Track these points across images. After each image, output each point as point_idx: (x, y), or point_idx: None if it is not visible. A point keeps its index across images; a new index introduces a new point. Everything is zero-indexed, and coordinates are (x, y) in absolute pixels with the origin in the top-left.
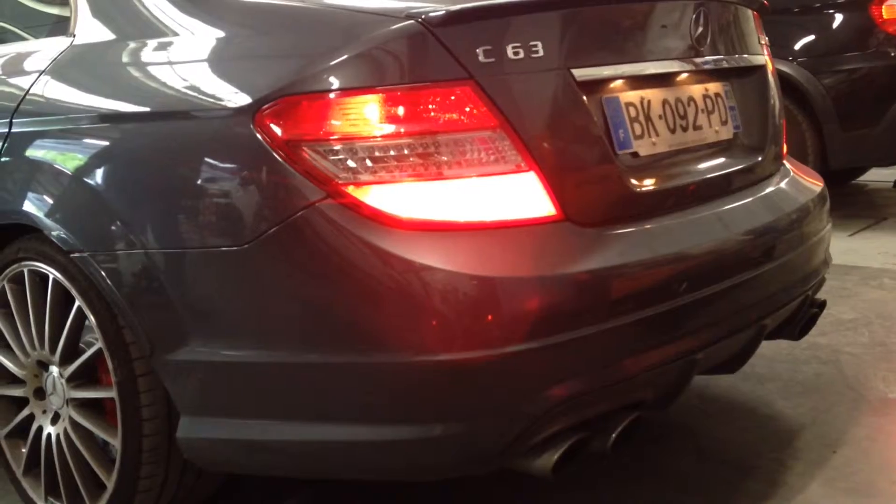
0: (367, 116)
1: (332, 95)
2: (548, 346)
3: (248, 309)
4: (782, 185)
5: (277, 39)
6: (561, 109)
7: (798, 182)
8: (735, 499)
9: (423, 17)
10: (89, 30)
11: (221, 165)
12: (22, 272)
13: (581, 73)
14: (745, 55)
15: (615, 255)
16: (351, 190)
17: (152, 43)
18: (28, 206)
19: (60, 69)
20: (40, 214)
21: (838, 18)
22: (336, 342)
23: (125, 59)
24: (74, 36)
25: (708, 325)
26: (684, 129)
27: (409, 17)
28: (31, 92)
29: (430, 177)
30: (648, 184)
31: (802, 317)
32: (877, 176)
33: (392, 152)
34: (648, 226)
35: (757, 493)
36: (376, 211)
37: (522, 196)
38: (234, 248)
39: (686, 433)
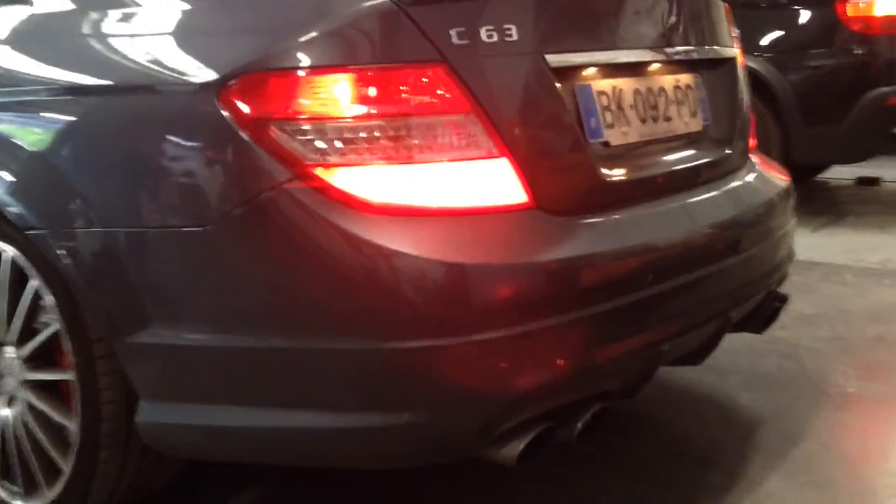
0: (336, 96)
1: (300, 73)
2: (516, 335)
3: (211, 292)
4: (749, 178)
5: (245, 12)
6: (534, 95)
7: (765, 176)
8: (700, 492)
9: None
10: None
11: (185, 143)
12: None
13: (555, 59)
14: (716, 47)
15: (585, 245)
16: (319, 172)
17: (115, 14)
18: None
19: (17, 39)
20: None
21: (804, 15)
22: (302, 327)
23: (86, 29)
24: (32, 4)
25: (674, 317)
26: (655, 120)
27: None
28: None
29: (401, 160)
30: (619, 173)
31: (766, 310)
32: (838, 173)
33: (362, 134)
34: (617, 216)
35: (720, 486)
36: (345, 194)
37: (494, 182)
38: (197, 228)
39: (651, 424)
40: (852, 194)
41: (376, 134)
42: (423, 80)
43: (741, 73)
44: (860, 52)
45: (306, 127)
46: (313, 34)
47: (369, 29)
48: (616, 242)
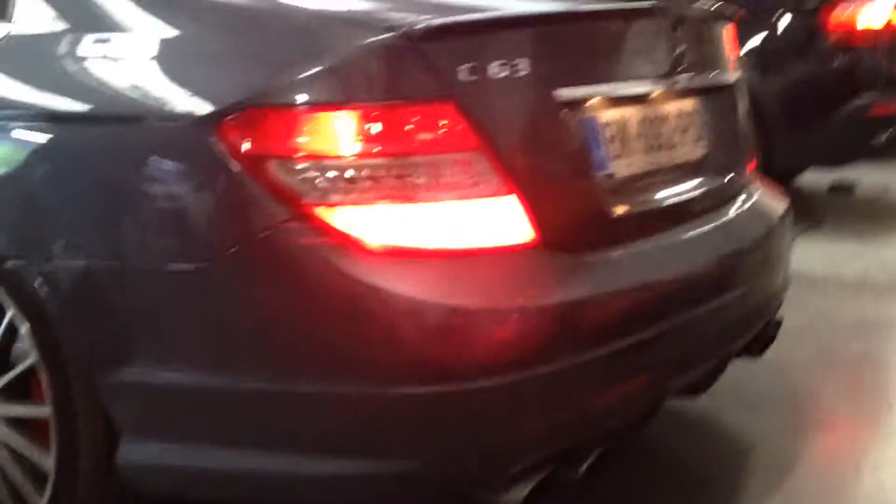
0: (338, 134)
1: (301, 109)
2: (521, 380)
3: (201, 331)
4: (751, 204)
5: (244, 42)
6: (542, 130)
7: (766, 201)
8: None
9: (403, 30)
10: (31, 16)
11: (176, 177)
12: None
13: (563, 93)
14: (720, 72)
15: (592, 285)
16: (318, 211)
17: (103, 37)
18: None
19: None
20: None
21: (787, 23)
22: (295, 371)
23: (75, 52)
24: (13, 22)
25: (682, 352)
26: (658, 149)
27: (388, 29)
28: None
29: (404, 200)
30: (623, 206)
31: (765, 336)
32: (809, 180)
33: (364, 173)
34: (623, 251)
35: None
36: (345, 235)
37: (501, 221)
38: (189, 266)
39: (642, 448)
40: (825, 202)
41: (379, 173)
42: (430, 117)
43: (743, 96)
44: (843, 60)
45: (306, 165)
46: (316, 69)
47: (375, 65)
48: (623, 281)
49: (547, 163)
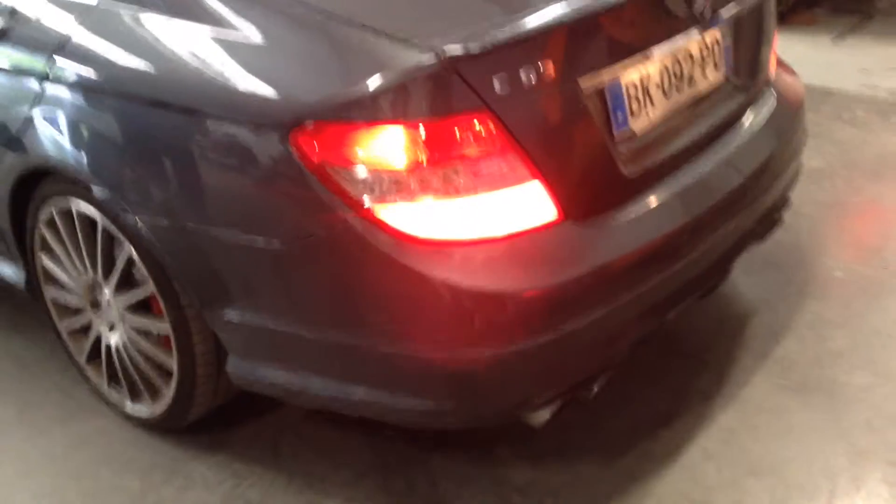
0: (390, 146)
1: (359, 124)
2: (544, 345)
3: (284, 292)
4: (768, 111)
5: (313, 55)
6: (566, 119)
7: (783, 96)
8: (689, 395)
9: (443, 52)
10: None
11: (264, 172)
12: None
13: (587, 81)
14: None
15: (613, 246)
16: (375, 210)
17: (202, 28)
18: (83, 166)
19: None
20: (91, 174)
21: None
22: (357, 329)
23: (174, 38)
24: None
25: (698, 275)
26: (679, 90)
27: (431, 49)
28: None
29: (446, 198)
30: (643, 160)
31: (773, 223)
32: None
33: (413, 178)
34: (644, 202)
35: (708, 390)
36: (396, 230)
37: (528, 206)
38: (276, 243)
39: None
40: None
41: (426, 177)
42: (469, 127)
43: (770, 6)
44: None
45: (363, 173)
46: (371, 90)
47: (419, 85)
48: (643, 235)
49: (570, 145)
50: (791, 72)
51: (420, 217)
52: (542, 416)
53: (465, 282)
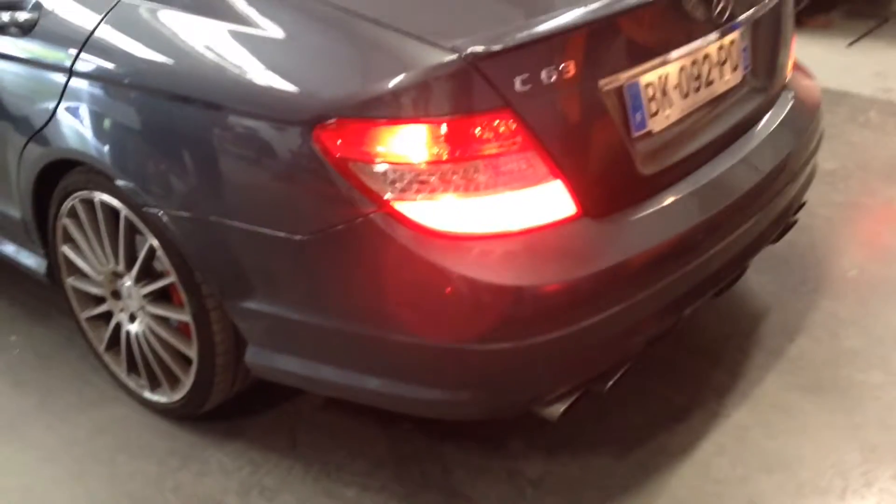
0: (412, 143)
1: (381, 121)
2: (560, 339)
3: (305, 283)
4: (786, 113)
5: (336, 53)
6: (586, 118)
7: (799, 104)
8: (704, 393)
9: (466, 52)
10: None
11: (287, 166)
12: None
13: (606, 81)
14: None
15: (630, 243)
16: (396, 205)
17: (226, 26)
18: (107, 158)
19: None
20: (115, 166)
21: None
22: (376, 321)
23: (202, 35)
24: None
25: (712, 275)
26: (697, 91)
27: (454, 49)
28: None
29: (465, 195)
30: (659, 161)
31: (786, 226)
32: None
33: (434, 174)
34: (661, 201)
35: (723, 387)
36: (417, 224)
37: (548, 204)
38: (299, 236)
39: None
40: None
41: (447, 174)
42: (490, 125)
43: (788, 7)
44: None
45: (387, 168)
46: (393, 87)
47: (443, 84)
48: (659, 234)
49: (589, 144)
50: (808, 74)
51: (440, 212)
52: (557, 409)
53: (483, 275)
